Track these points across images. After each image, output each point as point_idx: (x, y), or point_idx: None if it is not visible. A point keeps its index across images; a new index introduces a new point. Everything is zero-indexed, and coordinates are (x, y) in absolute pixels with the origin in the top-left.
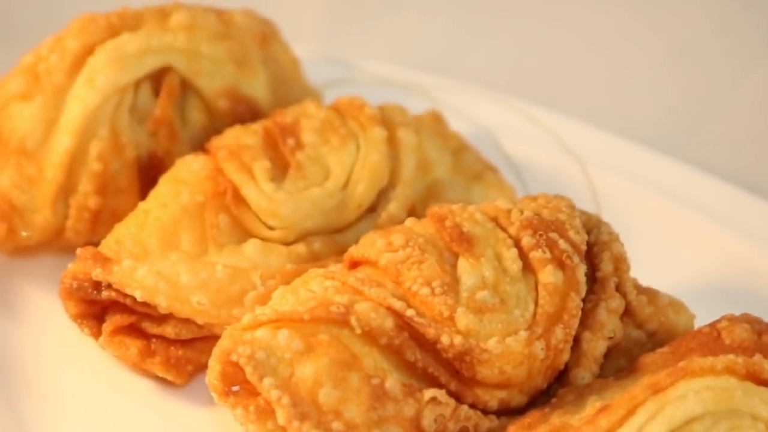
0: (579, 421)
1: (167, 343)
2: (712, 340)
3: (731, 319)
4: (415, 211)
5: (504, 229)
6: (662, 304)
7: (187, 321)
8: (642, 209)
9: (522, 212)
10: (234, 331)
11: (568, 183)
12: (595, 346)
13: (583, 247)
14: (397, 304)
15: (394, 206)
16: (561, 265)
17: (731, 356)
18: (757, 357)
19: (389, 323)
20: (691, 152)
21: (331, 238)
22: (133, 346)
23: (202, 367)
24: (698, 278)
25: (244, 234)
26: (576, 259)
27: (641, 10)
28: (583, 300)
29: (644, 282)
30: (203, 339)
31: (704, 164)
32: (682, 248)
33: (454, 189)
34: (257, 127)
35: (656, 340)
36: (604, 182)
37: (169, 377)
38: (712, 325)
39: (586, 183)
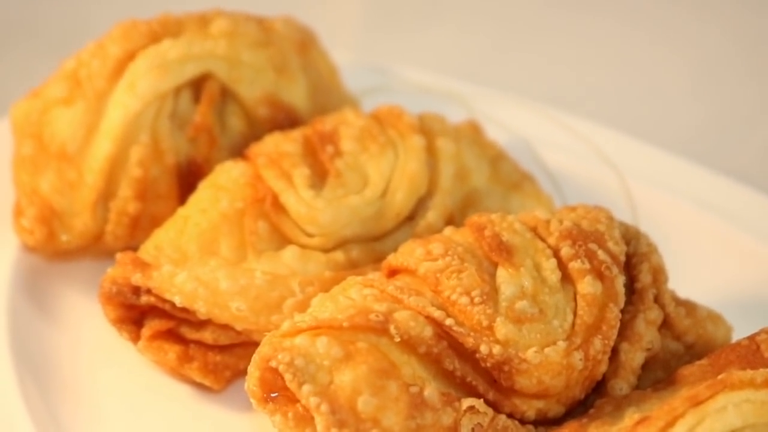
0: None
1: (205, 348)
2: (751, 353)
3: None
4: (453, 220)
5: (543, 239)
6: (700, 317)
7: (226, 327)
8: (680, 220)
9: (561, 222)
10: (273, 337)
11: (606, 193)
12: (633, 357)
13: (622, 258)
14: (436, 313)
15: (432, 215)
16: (600, 275)
17: None
18: None
19: (428, 332)
20: (730, 163)
21: (369, 246)
22: (172, 351)
23: (239, 373)
24: (736, 290)
25: (282, 241)
26: (615, 270)
27: (679, 23)
28: (622, 311)
29: (682, 294)
30: (241, 345)
31: (742, 175)
32: (720, 260)
33: (491, 198)
34: (296, 134)
35: (694, 352)
36: (642, 193)
37: (207, 383)
38: (751, 338)
39: (623, 194)
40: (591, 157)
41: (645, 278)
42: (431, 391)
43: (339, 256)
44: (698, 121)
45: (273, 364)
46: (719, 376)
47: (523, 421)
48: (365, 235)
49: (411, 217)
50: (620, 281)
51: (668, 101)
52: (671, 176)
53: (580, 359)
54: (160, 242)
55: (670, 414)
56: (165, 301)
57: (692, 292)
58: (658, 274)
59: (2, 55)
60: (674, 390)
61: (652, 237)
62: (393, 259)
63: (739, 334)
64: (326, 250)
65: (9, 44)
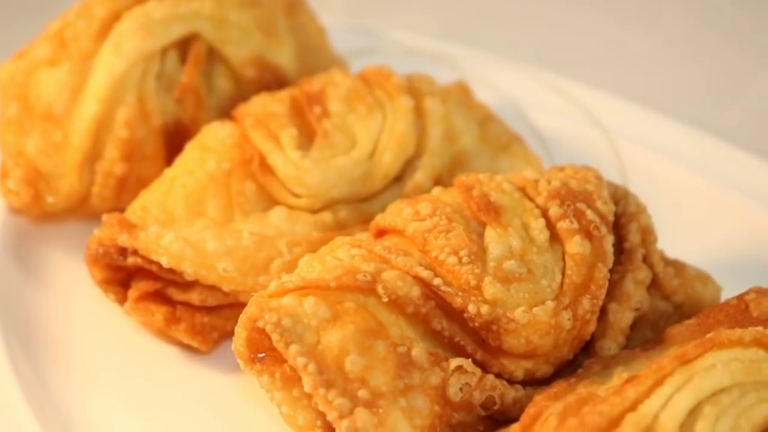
0: (606, 391)
1: (192, 309)
2: (739, 312)
3: (759, 291)
4: (441, 181)
5: (531, 199)
6: (689, 276)
7: (213, 288)
8: (669, 181)
9: (549, 182)
10: (260, 298)
11: (595, 155)
12: (622, 317)
13: (611, 218)
14: (424, 273)
15: (420, 176)
16: (588, 235)
17: (759, 328)
18: None
19: (416, 292)
20: (719, 125)
21: (357, 207)
22: (159, 312)
23: (227, 335)
24: (725, 251)
25: (270, 202)
26: (603, 229)
27: None
28: (610, 271)
29: (671, 254)
30: (229, 306)
31: (732, 137)
32: (710, 220)
33: (480, 159)
34: (284, 95)
35: (683, 312)
36: (631, 154)
37: (194, 344)
38: (740, 297)
39: (613, 155)
40: (580, 118)
41: (634, 238)
42: (419, 351)
43: (327, 217)
44: (688, 83)
45: (260, 324)
46: (708, 335)
47: (511, 381)
48: (353, 196)
49: (399, 178)
50: (609, 241)
51: (658, 63)
52: (660, 137)
53: (569, 319)
54: (146, 203)
55: (658, 372)
56: (152, 262)
57: (681, 253)
58: (647, 234)
59: None
60: (663, 349)
61: (641, 198)
62: (381, 220)
63: (728, 294)
64: (314, 211)
65: None
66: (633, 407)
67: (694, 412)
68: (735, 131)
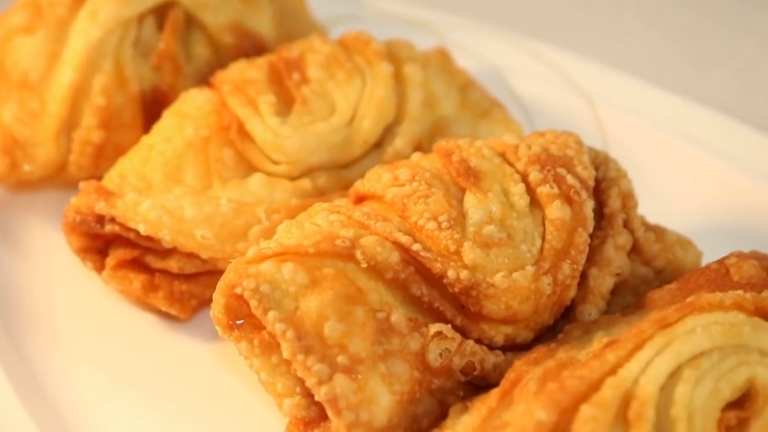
0: (586, 356)
1: (171, 277)
2: (720, 277)
3: (740, 256)
4: (421, 147)
5: (511, 165)
6: (670, 242)
7: (191, 255)
8: (650, 147)
9: (530, 147)
10: (239, 264)
11: (576, 121)
12: (602, 282)
13: (591, 183)
14: (403, 239)
15: (399, 142)
16: (568, 200)
17: (740, 292)
18: (766, 293)
19: (395, 257)
20: (700, 91)
21: (337, 174)
22: (137, 280)
23: (206, 302)
24: (706, 216)
25: (248, 168)
26: (584, 194)
27: None
28: (591, 236)
29: (652, 219)
30: (207, 273)
31: (713, 102)
32: (691, 186)
33: (460, 125)
34: (262, 61)
35: (663, 277)
36: (613, 120)
37: (173, 312)
38: (721, 262)
39: (594, 121)
40: (561, 84)
41: (614, 203)
42: (398, 316)
43: (306, 183)
44: (670, 49)
45: (238, 290)
46: (688, 299)
47: (491, 347)
48: (332, 163)
49: (378, 145)
50: (589, 206)
51: (640, 29)
52: (641, 103)
53: (549, 284)
54: (124, 171)
55: (638, 336)
56: (129, 229)
57: (662, 218)
58: (628, 199)
59: None
60: (643, 314)
61: (622, 163)
62: (360, 186)
63: (708, 259)
64: (293, 178)
65: None
66: (613, 371)
67: (674, 376)
68: (715, 97)
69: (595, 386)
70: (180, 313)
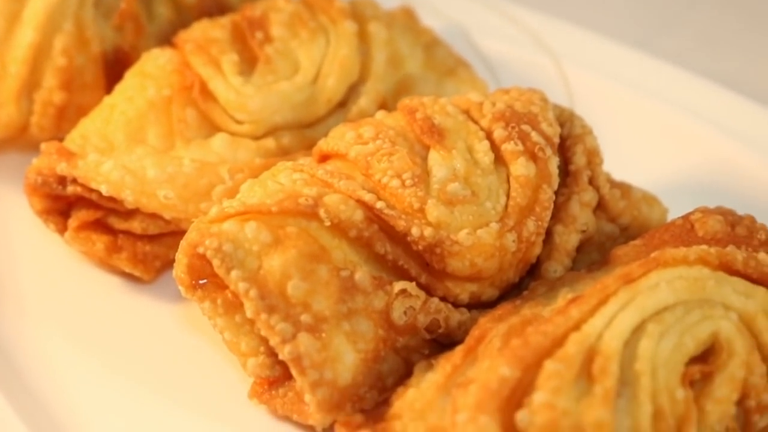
0: (551, 312)
1: (134, 238)
2: (685, 232)
3: (704, 211)
4: (386, 106)
5: (476, 122)
6: (635, 198)
7: (154, 216)
8: (616, 104)
9: (494, 105)
10: (201, 223)
11: (543, 79)
12: (568, 239)
13: (556, 140)
14: (367, 197)
15: (364, 101)
16: (533, 157)
17: (704, 247)
18: (730, 248)
19: (359, 215)
20: (666, 48)
21: (301, 133)
22: (100, 241)
23: (169, 263)
24: (672, 172)
25: (211, 128)
26: (548, 151)
27: None
28: (556, 193)
29: (618, 176)
30: (171, 234)
31: (678, 59)
32: (657, 143)
33: (425, 84)
34: (225, 20)
35: (629, 234)
36: (579, 78)
37: (136, 273)
38: (686, 217)
39: (560, 79)
40: (527, 43)
41: (579, 160)
42: (362, 274)
43: (269, 143)
44: (635, 6)
45: (201, 250)
46: (652, 254)
47: (456, 304)
48: (296, 122)
49: (343, 104)
50: (554, 163)
51: None
52: (607, 60)
53: (513, 241)
54: (86, 131)
55: (602, 292)
56: (91, 190)
57: (628, 175)
58: (593, 156)
59: None
60: (608, 270)
61: (589, 121)
62: (324, 144)
63: (674, 216)
64: (256, 138)
65: None
66: (577, 327)
67: (637, 331)
68: (682, 53)
69: (559, 342)
70: (143, 275)
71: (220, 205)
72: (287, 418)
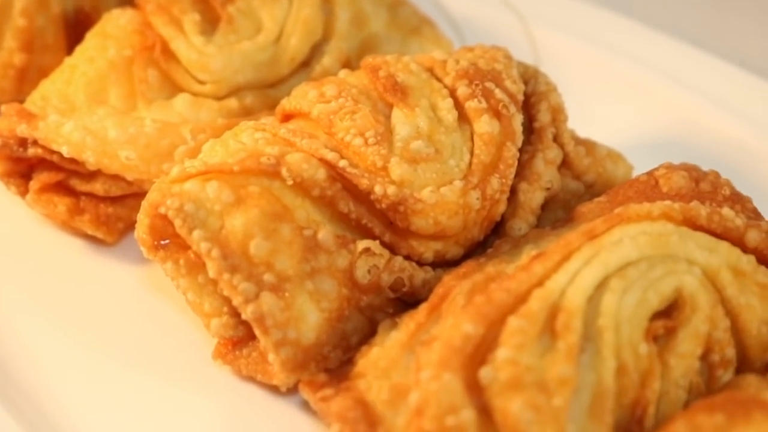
0: (514, 269)
1: (96, 200)
2: (649, 188)
3: (669, 167)
4: (349, 65)
5: (439, 80)
6: (600, 155)
7: (117, 177)
8: (582, 62)
9: (458, 62)
10: (162, 184)
11: (508, 38)
12: (532, 197)
13: (520, 98)
14: (330, 155)
15: (328, 60)
16: (497, 114)
17: (668, 202)
18: (694, 203)
19: (321, 174)
20: (631, 6)
21: (264, 93)
22: (62, 203)
23: (132, 225)
24: (637, 130)
25: (173, 89)
26: (512, 108)
27: None
28: (520, 151)
29: (583, 134)
30: (133, 196)
31: (644, 18)
32: (622, 101)
33: (390, 43)
34: None
35: (594, 191)
36: (545, 36)
37: (99, 235)
38: (650, 173)
39: (526, 37)
40: (493, 1)
41: (544, 117)
42: (325, 233)
43: (232, 103)
44: None
45: (162, 210)
46: (616, 210)
47: (420, 263)
48: (259, 82)
49: (306, 63)
50: (518, 120)
51: None
52: (573, 19)
53: (477, 198)
54: (46, 92)
55: (566, 248)
56: (53, 152)
57: (593, 133)
58: (558, 114)
59: None
60: (572, 227)
61: (554, 78)
62: (286, 103)
63: (639, 173)
64: (219, 98)
65: None
66: (540, 283)
67: (601, 287)
68: (646, 11)
69: (522, 298)
70: (106, 237)
71: (182, 165)
72: (251, 379)
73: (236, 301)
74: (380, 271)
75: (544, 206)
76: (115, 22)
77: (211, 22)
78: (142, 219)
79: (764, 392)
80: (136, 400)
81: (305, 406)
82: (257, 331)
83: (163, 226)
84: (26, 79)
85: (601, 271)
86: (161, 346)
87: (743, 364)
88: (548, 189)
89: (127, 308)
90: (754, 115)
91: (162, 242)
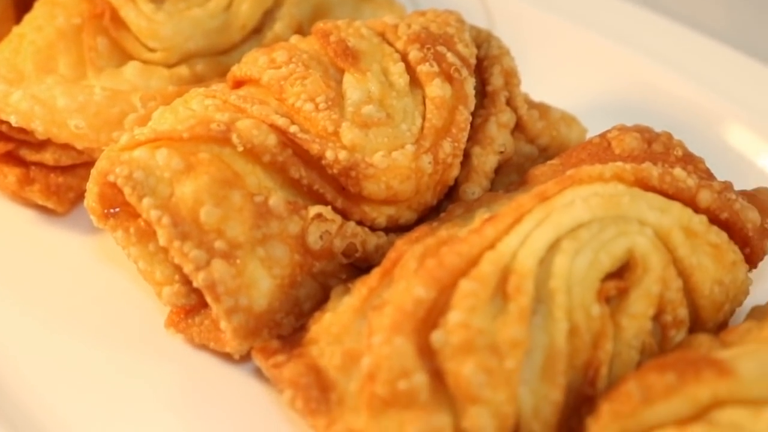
0: (467, 232)
1: (47, 170)
2: (602, 150)
3: (621, 129)
4: (302, 32)
5: (391, 44)
6: (554, 119)
7: (66, 146)
8: (535, 26)
9: (409, 26)
10: (111, 151)
11: (462, 2)
12: (485, 161)
13: (473, 61)
14: (280, 121)
15: (279, 26)
16: (449, 78)
17: (619, 163)
18: (646, 164)
19: (272, 140)
20: None
21: (215, 60)
22: (11, 174)
23: (83, 195)
24: (591, 93)
25: (123, 56)
26: (464, 72)
27: None
28: (473, 115)
29: (537, 98)
30: (84, 165)
31: None
32: (575, 64)
33: (342, 9)
34: None
35: (548, 154)
36: (498, 1)
37: (50, 205)
38: (603, 135)
39: (479, 2)
40: None
41: (496, 81)
42: (277, 200)
43: (183, 70)
44: None
45: (111, 178)
46: (568, 172)
47: (373, 228)
48: (210, 49)
49: (258, 30)
50: (470, 84)
51: None
52: None
53: (429, 162)
54: None
55: (517, 210)
56: (1, 122)
57: (547, 97)
58: (510, 77)
59: None
60: (525, 190)
61: (507, 43)
62: (237, 70)
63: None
64: (169, 65)
65: None
66: (492, 246)
67: (552, 248)
68: None
69: (473, 261)
70: (57, 207)
71: (131, 133)
72: (204, 347)
73: (187, 268)
74: (332, 236)
75: (498, 170)
76: None
77: None
78: (92, 187)
79: (715, 351)
80: (89, 370)
81: (258, 373)
82: (209, 299)
83: (113, 194)
84: None
85: (553, 233)
86: (113, 316)
87: (696, 325)
88: (501, 153)
89: (79, 278)
90: (707, 77)
91: (112, 211)
